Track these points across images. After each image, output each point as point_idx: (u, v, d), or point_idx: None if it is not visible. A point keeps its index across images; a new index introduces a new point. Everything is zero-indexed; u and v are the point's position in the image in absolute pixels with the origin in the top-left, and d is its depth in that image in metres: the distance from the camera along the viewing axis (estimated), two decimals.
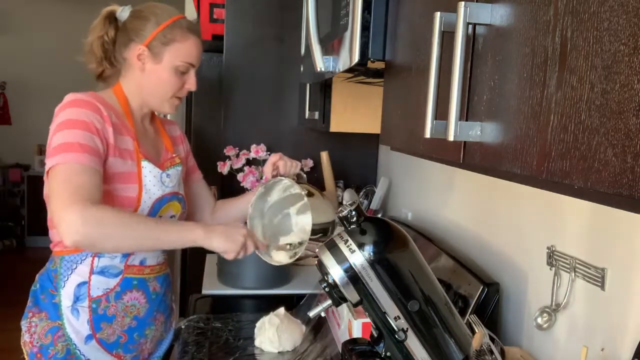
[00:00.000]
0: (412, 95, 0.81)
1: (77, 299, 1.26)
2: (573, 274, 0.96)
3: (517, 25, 0.54)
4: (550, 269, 1.02)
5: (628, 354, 0.82)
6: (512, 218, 1.20)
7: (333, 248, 0.88)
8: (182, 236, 1.20)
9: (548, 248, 1.03)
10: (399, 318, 0.88)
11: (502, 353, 0.97)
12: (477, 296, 1.12)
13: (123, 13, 1.30)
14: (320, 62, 1.16)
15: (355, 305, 0.89)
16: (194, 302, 1.65)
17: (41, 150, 5.34)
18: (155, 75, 1.30)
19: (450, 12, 0.61)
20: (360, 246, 0.86)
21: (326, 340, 1.40)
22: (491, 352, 0.91)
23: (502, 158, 0.55)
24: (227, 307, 1.62)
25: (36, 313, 1.28)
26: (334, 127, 1.62)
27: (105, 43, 1.31)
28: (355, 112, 1.62)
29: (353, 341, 1.02)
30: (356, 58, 0.92)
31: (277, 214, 1.50)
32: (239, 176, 2.07)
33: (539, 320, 1.03)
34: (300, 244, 1.39)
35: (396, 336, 0.88)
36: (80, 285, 1.26)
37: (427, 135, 0.64)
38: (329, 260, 0.88)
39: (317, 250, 0.91)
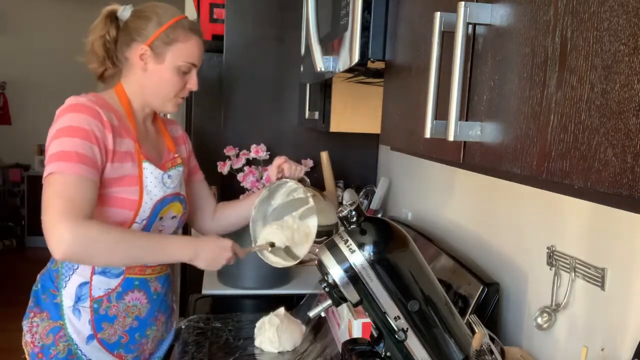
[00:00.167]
0: (412, 95, 0.81)
1: (78, 299, 1.26)
2: (573, 274, 0.96)
3: (517, 25, 0.54)
4: (550, 269, 1.02)
5: (628, 354, 0.82)
6: (512, 218, 1.20)
7: (333, 248, 0.88)
8: (169, 257, 1.27)
9: (548, 248, 1.03)
10: (399, 318, 0.88)
11: (502, 353, 0.97)
12: (477, 296, 1.12)
13: (124, 12, 1.30)
14: (320, 62, 1.16)
15: (355, 305, 0.89)
16: (194, 302, 1.65)
17: (41, 150, 5.34)
18: (158, 75, 1.29)
19: (450, 12, 0.61)
20: (360, 246, 0.86)
21: (326, 340, 1.40)
22: (491, 352, 0.91)
23: (502, 158, 0.55)
24: (227, 307, 1.62)
25: (37, 313, 1.28)
26: (334, 127, 1.62)
27: (107, 42, 1.30)
28: (355, 112, 1.62)
29: (353, 341, 1.02)
30: (356, 58, 0.92)
31: (280, 218, 1.49)
32: (239, 176, 2.07)
33: (539, 320, 1.03)
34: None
35: (396, 336, 0.88)
36: (81, 285, 1.26)
37: (427, 135, 0.64)
38: (329, 260, 0.88)
39: (317, 250, 0.91)
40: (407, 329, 0.88)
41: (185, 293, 2.21)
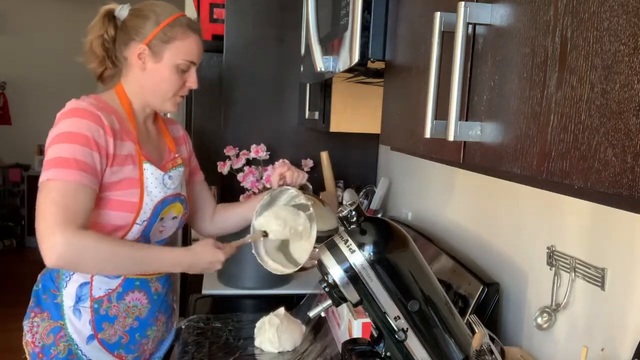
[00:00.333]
0: (412, 95, 0.81)
1: (79, 299, 1.26)
2: (573, 274, 0.96)
3: (517, 25, 0.54)
4: (550, 269, 1.02)
5: (628, 354, 0.82)
6: (512, 218, 1.20)
7: (333, 248, 0.88)
8: (162, 270, 1.32)
9: (548, 248, 1.03)
10: (399, 318, 0.88)
11: (502, 353, 0.97)
12: (477, 296, 1.12)
13: (122, 12, 1.30)
14: (320, 62, 1.16)
15: (355, 305, 0.89)
16: (194, 302, 1.65)
17: (41, 150, 5.34)
18: (156, 74, 1.29)
19: (450, 12, 0.61)
20: (360, 246, 0.86)
21: (326, 340, 1.40)
22: (491, 352, 0.91)
23: (502, 158, 0.55)
24: (227, 307, 1.63)
25: (38, 313, 1.28)
26: (334, 127, 1.62)
27: (106, 42, 1.30)
28: (355, 112, 1.62)
29: (353, 341, 1.02)
30: (356, 58, 0.92)
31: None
32: (239, 176, 2.07)
33: (539, 320, 1.03)
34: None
35: (396, 336, 0.88)
36: (82, 285, 1.26)
37: (427, 135, 0.64)
38: (329, 260, 0.88)
39: (317, 250, 0.91)
40: (407, 329, 0.88)
41: (185, 293, 2.21)
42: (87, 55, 1.33)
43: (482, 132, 0.60)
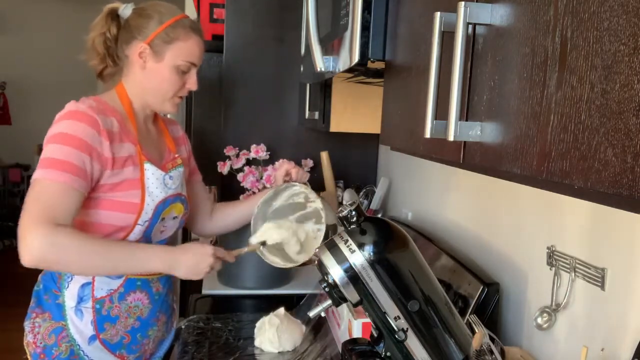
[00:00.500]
0: (412, 95, 0.81)
1: (80, 300, 1.26)
2: (573, 274, 0.96)
3: (517, 25, 0.54)
4: (550, 269, 1.02)
5: (628, 354, 0.82)
6: (512, 218, 1.20)
7: (333, 248, 0.88)
8: (144, 267, 1.23)
9: (548, 248, 1.03)
10: (399, 318, 0.88)
11: (502, 353, 0.97)
12: (477, 296, 1.12)
13: (125, 11, 1.30)
14: (320, 62, 1.16)
15: (355, 305, 0.89)
16: (194, 302, 1.65)
17: (41, 150, 5.32)
18: (157, 74, 1.29)
19: (450, 12, 0.61)
20: (360, 246, 0.86)
21: (326, 340, 1.40)
22: (491, 352, 0.91)
23: (502, 158, 0.55)
24: (227, 307, 1.62)
25: (39, 313, 1.28)
26: (334, 127, 1.62)
27: (108, 40, 1.30)
28: (355, 112, 1.62)
29: (353, 341, 1.02)
30: (356, 58, 0.92)
31: (278, 219, 1.51)
32: (239, 176, 2.07)
33: (539, 320, 1.02)
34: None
35: (396, 336, 0.88)
36: (84, 285, 1.26)
37: (427, 135, 0.64)
38: (329, 260, 0.88)
39: (317, 250, 0.91)
40: (407, 329, 0.88)
41: (185, 293, 2.21)
42: (89, 52, 1.34)
43: (482, 132, 0.60)
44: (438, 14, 0.63)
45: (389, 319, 0.88)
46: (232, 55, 2.12)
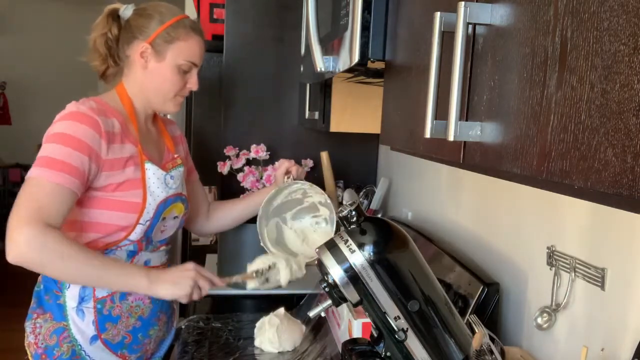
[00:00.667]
0: (412, 95, 0.81)
1: (82, 300, 1.26)
2: (573, 274, 0.96)
3: (517, 25, 0.54)
4: (550, 269, 1.02)
5: (628, 354, 0.82)
6: (512, 218, 1.20)
7: (333, 248, 0.88)
8: (126, 283, 1.20)
9: (548, 248, 1.03)
10: (399, 318, 0.88)
11: (502, 353, 0.97)
12: (477, 296, 1.12)
13: (126, 11, 1.31)
14: (320, 62, 1.16)
15: (355, 305, 0.89)
16: (194, 302, 1.64)
17: None
18: (158, 74, 1.29)
19: (450, 12, 0.61)
20: (360, 246, 0.86)
21: (326, 340, 1.40)
22: (491, 352, 0.91)
23: (502, 158, 0.55)
24: (227, 307, 1.62)
25: (41, 314, 1.28)
26: (334, 127, 1.62)
27: (109, 40, 1.30)
28: (355, 112, 1.62)
29: (353, 341, 1.02)
30: (356, 58, 0.92)
31: (278, 216, 1.54)
32: (239, 176, 2.07)
33: (539, 320, 1.02)
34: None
35: (396, 336, 0.88)
36: (85, 286, 1.26)
37: (427, 135, 0.64)
38: (329, 260, 0.88)
39: (317, 250, 0.91)
40: (407, 329, 0.88)
41: None
42: (91, 53, 1.34)
43: (482, 132, 0.60)
44: (438, 14, 0.63)
45: (389, 319, 0.88)
46: (232, 55, 2.12)
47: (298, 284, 1.77)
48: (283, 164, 1.50)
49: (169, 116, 1.96)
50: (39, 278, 1.32)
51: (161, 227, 1.34)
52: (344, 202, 0.98)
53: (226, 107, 2.16)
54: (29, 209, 1.11)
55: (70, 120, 1.18)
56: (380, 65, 0.97)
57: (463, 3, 0.58)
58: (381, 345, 0.92)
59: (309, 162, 2.16)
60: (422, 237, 1.50)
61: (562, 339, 1.00)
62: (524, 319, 1.13)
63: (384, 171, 2.21)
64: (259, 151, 2.08)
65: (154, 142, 1.38)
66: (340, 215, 0.89)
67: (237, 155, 2.10)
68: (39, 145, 1.22)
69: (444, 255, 1.33)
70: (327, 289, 0.89)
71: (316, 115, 1.73)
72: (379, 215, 2.02)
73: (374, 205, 2.08)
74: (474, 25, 0.62)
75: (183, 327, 1.47)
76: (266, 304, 1.55)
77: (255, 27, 2.11)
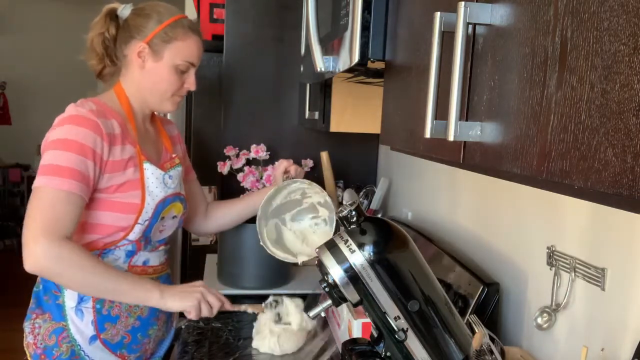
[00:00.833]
0: (412, 96, 0.81)
1: (81, 300, 1.26)
2: (573, 274, 0.96)
3: (517, 25, 0.54)
4: (550, 269, 1.02)
5: (628, 354, 0.82)
6: (512, 218, 1.20)
7: (333, 248, 0.88)
8: (137, 296, 1.22)
9: (548, 248, 1.03)
10: (399, 318, 0.88)
11: (502, 353, 0.97)
12: (477, 296, 1.12)
13: (124, 11, 1.31)
14: (320, 62, 1.16)
15: (355, 305, 0.89)
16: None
17: None
18: (155, 73, 1.29)
19: (450, 12, 0.61)
20: (360, 246, 0.86)
21: (326, 340, 1.40)
22: (491, 352, 0.91)
23: (502, 158, 0.55)
24: None
25: (40, 314, 1.28)
26: (334, 127, 1.62)
27: (106, 40, 1.30)
28: (355, 112, 1.62)
29: (353, 341, 1.02)
30: (356, 58, 0.92)
31: (277, 217, 1.54)
32: (239, 176, 2.07)
33: (539, 320, 1.02)
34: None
35: (396, 336, 0.88)
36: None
37: (427, 135, 0.64)
38: (329, 260, 0.88)
39: (317, 250, 0.91)
40: (407, 329, 0.88)
41: None
42: (88, 52, 1.34)
43: (482, 132, 0.60)
44: (438, 14, 0.63)
45: (389, 319, 0.88)
46: (232, 55, 2.12)
47: (298, 284, 1.78)
48: (282, 163, 1.51)
49: (169, 116, 1.96)
50: (38, 278, 1.32)
51: (160, 227, 1.34)
52: (344, 202, 0.98)
53: (226, 107, 2.16)
54: (44, 221, 1.13)
55: (70, 125, 1.18)
56: (380, 65, 0.97)
57: (463, 3, 0.58)
58: (381, 345, 0.92)
59: (309, 162, 2.16)
60: (422, 237, 1.50)
61: (562, 339, 1.00)
62: (524, 319, 1.13)
63: (384, 171, 2.21)
64: (259, 151, 2.08)
65: (152, 142, 1.38)
66: (340, 215, 0.89)
67: (237, 155, 2.10)
68: (39, 146, 1.22)
69: (444, 255, 1.33)
70: (327, 289, 0.89)
71: (316, 115, 1.73)
72: (379, 215, 2.02)
73: (374, 205, 2.08)
74: (474, 25, 0.62)
75: (183, 327, 1.47)
76: None
77: (255, 27, 2.11)
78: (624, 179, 0.38)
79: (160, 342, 1.44)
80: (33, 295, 1.32)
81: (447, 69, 0.60)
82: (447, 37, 0.62)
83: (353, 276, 0.86)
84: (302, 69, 1.70)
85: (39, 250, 1.11)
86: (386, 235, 0.89)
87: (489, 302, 1.12)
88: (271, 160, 2.06)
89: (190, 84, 1.34)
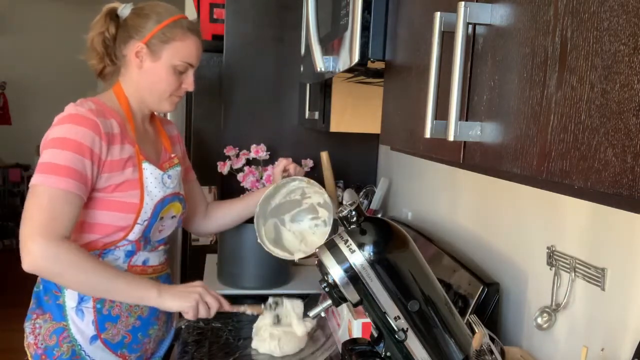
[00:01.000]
0: (412, 95, 0.81)
1: (81, 300, 1.26)
2: (573, 274, 0.96)
3: (517, 25, 0.54)
4: (550, 269, 1.02)
5: (628, 354, 0.82)
6: (512, 218, 1.20)
7: (333, 248, 0.88)
8: (135, 295, 1.22)
9: (548, 248, 1.03)
10: (399, 318, 0.88)
11: (502, 353, 0.97)
12: (477, 296, 1.12)
13: (124, 10, 1.31)
14: (320, 62, 1.16)
15: (355, 305, 0.89)
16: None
17: None
18: (153, 73, 1.29)
19: (450, 12, 0.61)
20: (360, 246, 0.86)
21: (326, 340, 1.40)
22: (491, 352, 0.91)
23: (502, 158, 0.55)
24: None
25: (40, 314, 1.28)
26: (334, 127, 1.62)
27: (106, 39, 1.30)
28: (355, 112, 1.62)
29: (353, 341, 1.02)
30: (356, 58, 0.92)
31: (277, 217, 1.54)
32: (239, 176, 2.07)
33: (539, 320, 1.02)
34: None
35: (396, 336, 0.88)
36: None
37: (427, 135, 0.64)
38: (329, 260, 0.88)
39: (317, 250, 0.91)
40: (407, 329, 0.88)
41: None
42: (88, 51, 1.34)
43: (482, 132, 0.60)
44: (438, 14, 0.63)
45: (389, 319, 0.88)
46: (232, 55, 2.12)
47: (298, 284, 1.78)
48: (281, 162, 1.51)
49: (168, 116, 1.96)
50: (38, 279, 1.32)
51: (159, 227, 1.34)
52: (344, 202, 0.98)
53: (226, 107, 2.16)
54: (41, 221, 1.13)
55: (69, 124, 1.18)
56: (380, 65, 0.97)
57: (463, 3, 0.58)
58: (381, 345, 0.92)
59: (309, 162, 2.16)
60: (422, 237, 1.50)
61: (562, 339, 1.00)
62: (524, 319, 1.13)
63: (384, 171, 2.21)
64: (259, 151, 2.08)
65: (151, 141, 1.38)
66: (340, 215, 0.89)
67: (237, 155, 2.10)
68: (39, 146, 1.22)
69: (444, 255, 1.33)
70: (327, 289, 0.89)
71: (316, 115, 1.73)
72: (379, 215, 2.02)
73: (374, 205, 2.08)
74: (474, 25, 0.62)
75: (183, 327, 1.47)
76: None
77: (255, 27, 2.11)
78: (624, 179, 0.38)
79: (160, 342, 1.44)
80: (33, 296, 1.32)
81: (447, 69, 0.60)
82: (447, 37, 0.62)
83: (353, 276, 0.86)
84: (302, 69, 1.70)
85: (37, 250, 1.11)
86: (386, 235, 0.89)
87: (489, 302, 1.12)
88: (271, 160, 2.06)
89: (189, 84, 1.34)
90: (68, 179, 1.14)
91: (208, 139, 2.23)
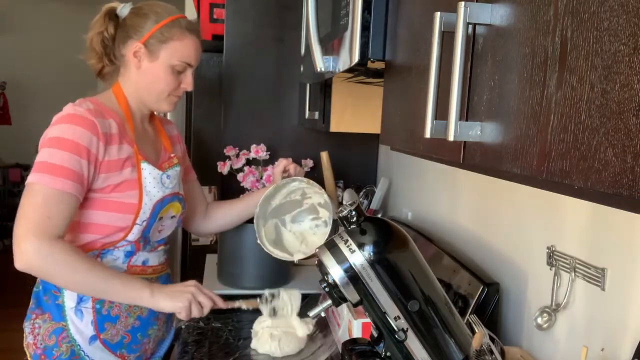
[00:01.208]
0: (412, 95, 0.81)
1: (80, 300, 1.26)
2: (573, 274, 0.96)
3: (517, 25, 0.54)
4: (550, 269, 1.02)
5: (628, 354, 0.82)
6: (512, 218, 1.20)
7: (333, 248, 0.88)
8: (128, 295, 1.21)
9: (548, 248, 1.03)
10: (399, 318, 0.88)
11: (502, 353, 0.97)
12: (477, 296, 1.12)
13: (123, 10, 1.31)
14: (320, 62, 1.16)
15: (355, 305, 0.89)
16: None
17: None
18: (151, 73, 1.29)
19: (450, 12, 0.61)
20: (360, 246, 0.86)
21: (326, 341, 1.40)
22: (491, 352, 0.91)
23: (502, 158, 0.55)
24: None
25: (39, 314, 1.28)
26: (334, 127, 1.62)
27: (105, 39, 1.30)
28: (355, 112, 1.62)
29: (353, 341, 1.02)
30: (356, 58, 0.92)
31: (277, 217, 1.54)
32: (239, 176, 2.07)
33: (539, 320, 1.02)
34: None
35: (396, 336, 0.88)
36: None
37: (427, 135, 0.64)
38: (329, 260, 0.88)
39: (317, 250, 0.91)
40: (407, 329, 0.88)
41: None
42: (87, 51, 1.34)
43: (482, 132, 0.60)
44: (438, 14, 0.63)
45: (389, 319, 0.88)
46: (232, 55, 2.12)
47: (298, 284, 1.78)
48: (281, 162, 1.51)
49: (168, 116, 1.96)
50: (38, 279, 1.32)
51: (158, 227, 1.34)
52: (344, 202, 0.98)
53: (226, 107, 2.16)
54: (36, 220, 1.13)
55: (67, 123, 1.18)
56: (380, 65, 0.97)
57: (463, 3, 0.58)
58: (381, 345, 0.92)
59: (309, 162, 2.16)
60: (422, 237, 1.50)
61: (562, 339, 1.00)
62: (524, 319, 1.13)
63: (384, 171, 2.21)
64: (259, 151, 2.08)
65: (151, 141, 1.38)
66: (340, 215, 0.89)
67: (237, 155, 2.10)
68: (38, 146, 1.22)
69: (444, 256, 1.33)
70: (327, 289, 0.89)
71: (316, 115, 1.73)
72: (379, 215, 2.02)
73: (374, 205, 2.08)
74: (474, 25, 0.62)
75: (183, 327, 1.47)
76: None
77: (255, 27, 2.11)
78: (624, 179, 0.38)
79: (160, 342, 1.44)
80: (33, 296, 1.32)
81: (447, 69, 0.60)
82: (447, 37, 0.62)
83: (353, 276, 0.86)
84: (302, 69, 1.70)
85: (30, 249, 1.11)
86: (386, 235, 0.89)
87: (489, 302, 1.12)
88: (271, 160, 2.06)
89: (187, 84, 1.34)
90: (64, 179, 1.14)
91: (208, 139, 2.23)
